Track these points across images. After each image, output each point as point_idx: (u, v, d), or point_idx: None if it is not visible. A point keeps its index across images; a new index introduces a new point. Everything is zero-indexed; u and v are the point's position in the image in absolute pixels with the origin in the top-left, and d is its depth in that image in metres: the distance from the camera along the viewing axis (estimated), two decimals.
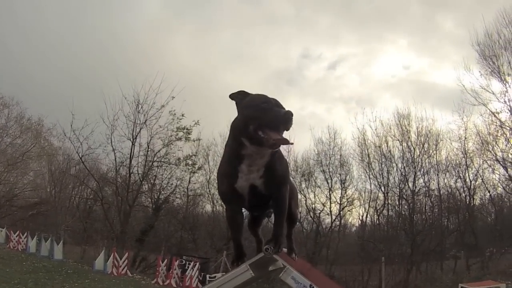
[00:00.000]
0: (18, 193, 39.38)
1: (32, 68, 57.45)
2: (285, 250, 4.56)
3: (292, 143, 3.84)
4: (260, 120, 3.73)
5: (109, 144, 28.41)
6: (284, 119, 3.74)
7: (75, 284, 16.19)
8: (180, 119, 27.99)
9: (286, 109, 3.92)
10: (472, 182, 27.61)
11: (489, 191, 28.29)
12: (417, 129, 29.03)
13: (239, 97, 4.09)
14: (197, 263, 22.58)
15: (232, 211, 4.28)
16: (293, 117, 3.76)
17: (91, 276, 19.45)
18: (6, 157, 38.55)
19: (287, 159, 21.94)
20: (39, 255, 24.11)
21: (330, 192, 29.76)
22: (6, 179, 38.90)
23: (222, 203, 23.63)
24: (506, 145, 26.68)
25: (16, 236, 26.64)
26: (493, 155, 26.87)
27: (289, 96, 60.18)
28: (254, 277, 4.17)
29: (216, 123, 56.74)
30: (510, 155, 26.50)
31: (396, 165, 28.95)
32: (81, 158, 29.36)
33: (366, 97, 56.89)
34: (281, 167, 4.15)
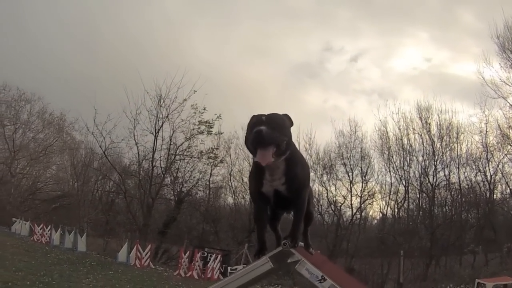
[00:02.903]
0: (41, 187, 39.95)
1: (55, 65, 57.95)
2: (302, 244, 4.96)
3: (267, 162, 4.04)
4: (249, 142, 4.11)
5: (131, 138, 28.69)
6: (252, 140, 4.02)
7: (99, 276, 16.36)
8: (202, 112, 28.18)
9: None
10: (492, 176, 27.28)
11: (509, 186, 27.75)
12: (438, 121, 28.74)
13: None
14: (219, 255, 22.70)
15: (258, 210, 4.62)
16: (263, 133, 3.95)
17: (115, 268, 19.69)
18: (29, 151, 39.12)
19: (310, 152, 21.86)
20: (63, 247, 24.48)
21: (351, 185, 29.52)
22: (29, 173, 39.45)
23: (243, 196, 23.79)
24: None
25: (40, 229, 27.05)
26: None
27: (311, 90, 60.11)
28: (274, 268, 4.50)
29: (238, 116, 56.57)
30: None
31: (417, 158, 28.72)
32: (104, 152, 29.66)
33: (388, 89, 56.73)
34: (303, 173, 4.51)
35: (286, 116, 4.40)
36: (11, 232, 29.37)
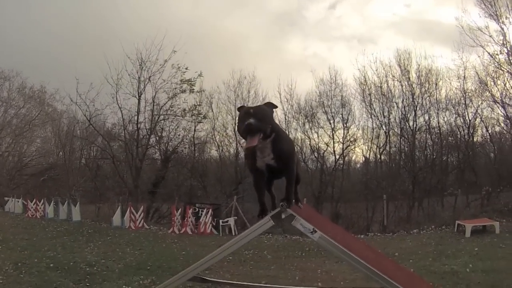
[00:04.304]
0: (27, 162, 40.17)
1: (33, 38, 56.98)
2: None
3: (252, 146, 5.10)
4: (241, 131, 5.15)
5: (115, 103, 29.37)
6: (242, 132, 5.10)
7: (98, 243, 16.98)
8: (184, 72, 28.91)
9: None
10: (472, 120, 27.89)
11: (487, 129, 28.56)
12: (418, 68, 29.19)
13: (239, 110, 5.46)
14: (210, 210, 23.48)
15: (256, 181, 5.68)
16: (252, 125, 4.97)
17: (111, 233, 20.45)
18: (12, 128, 39.19)
19: (291, 102, 22.65)
20: (58, 219, 25.14)
21: (333, 132, 30.10)
22: (14, 149, 39.64)
23: (227, 149, 24.46)
24: (504, 86, 26.93)
25: (34, 204, 27.44)
26: (491, 96, 27.25)
27: (292, 37, 59.90)
28: (274, 225, 5.52)
29: (220, 71, 57.16)
30: (508, 96, 26.79)
31: (397, 104, 29.24)
32: (89, 121, 30.26)
33: (368, 35, 56.29)
34: (288, 148, 5.58)
35: (269, 104, 5.52)
36: (5, 211, 29.80)
